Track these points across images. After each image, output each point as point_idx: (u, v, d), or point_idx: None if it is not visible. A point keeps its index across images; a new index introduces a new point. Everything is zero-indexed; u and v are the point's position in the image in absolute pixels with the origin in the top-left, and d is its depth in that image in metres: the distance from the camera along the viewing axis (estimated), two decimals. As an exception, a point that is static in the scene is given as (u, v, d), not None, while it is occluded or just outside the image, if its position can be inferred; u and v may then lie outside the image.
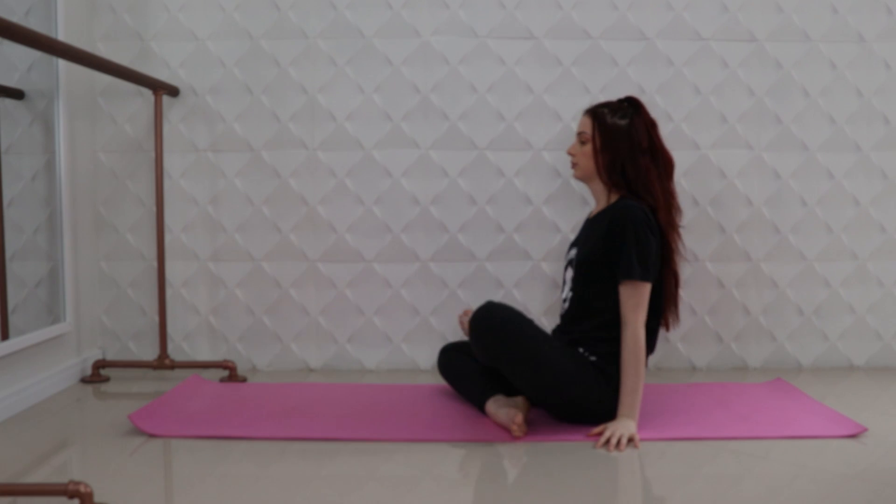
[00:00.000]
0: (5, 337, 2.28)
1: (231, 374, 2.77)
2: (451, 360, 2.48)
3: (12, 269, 2.35)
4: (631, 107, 2.28)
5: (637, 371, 2.11)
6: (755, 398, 2.48)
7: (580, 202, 2.90)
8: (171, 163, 2.90)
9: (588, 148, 2.28)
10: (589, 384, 2.14)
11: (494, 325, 2.12)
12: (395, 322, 2.94)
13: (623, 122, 2.24)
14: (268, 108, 2.89)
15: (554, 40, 2.88)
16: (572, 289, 2.29)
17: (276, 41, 2.88)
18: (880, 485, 1.76)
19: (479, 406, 2.29)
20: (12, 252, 2.35)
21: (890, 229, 2.94)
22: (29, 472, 1.84)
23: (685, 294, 2.91)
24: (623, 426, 2.06)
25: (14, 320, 2.34)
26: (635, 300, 2.14)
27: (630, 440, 2.04)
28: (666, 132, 2.88)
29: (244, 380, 2.78)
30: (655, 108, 2.87)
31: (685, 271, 2.91)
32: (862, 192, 2.93)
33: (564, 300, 2.34)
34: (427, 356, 2.94)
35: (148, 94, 2.87)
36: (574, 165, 2.33)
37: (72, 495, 1.54)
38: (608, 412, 2.15)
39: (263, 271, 2.93)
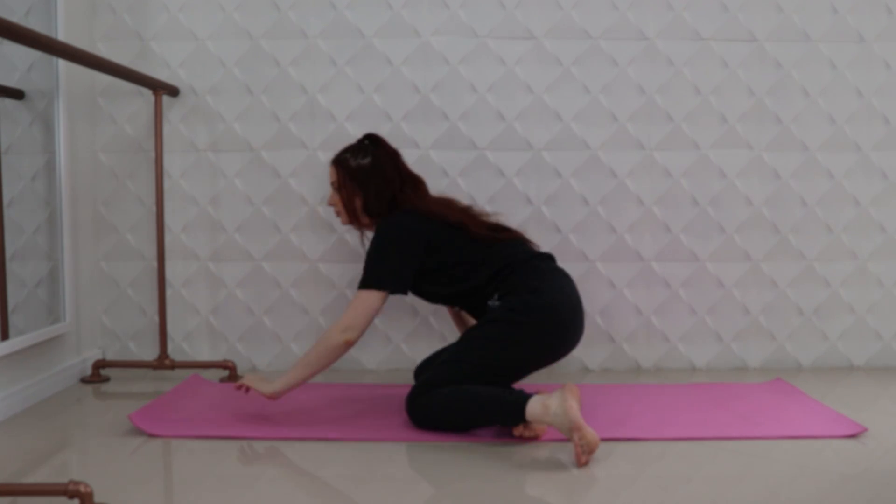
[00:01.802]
0: (5, 337, 2.28)
1: (231, 373, 2.78)
2: (437, 395, 2.15)
3: (12, 268, 2.35)
4: (371, 144, 2.39)
5: (310, 360, 2.15)
6: (755, 398, 2.48)
7: (580, 202, 2.91)
8: (171, 163, 2.91)
9: (343, 195, 2.37)
10: (515, 339, 2.16)
11: (434, 417, 2.13)
12: (394, 322, 2.94)
13: (366, 162, 2.35)
14: (268, 108, 2.89)
15: (554, 40, 2.88)
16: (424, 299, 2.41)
17: (276, 41, 2.88)
18: (880, 485, 1.76)
19: (515, 419, 2.06)
20: (12, 252, 2.35)
21: (890, 229, 2.94)
22: (29, 472, 1.84)
23: (685, 294, 2.92)
24: (260, 382, 2.20)
25: (14, 320, 2.34)
26: (353, 305, 2.17)
27: (245, 390, 2.21)
28: (666, 132, 2.89)
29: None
30: (655, 108, 2.88)
31: (685, 271, 2.92)
32: (862, 192, 2.93)
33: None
34: (426, 356, 2.94)
35: (148, 94, 2.87)
36: (338, 214, 2.42)
37: (72, 495, 1.54)
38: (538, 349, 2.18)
39: (263, 271, 2.93)
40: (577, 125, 2.90)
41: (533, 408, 1.99)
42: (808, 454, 1.97)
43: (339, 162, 2.38)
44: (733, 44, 2.88)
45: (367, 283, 2.19)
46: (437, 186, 2.89)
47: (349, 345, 2.15)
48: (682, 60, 2.89)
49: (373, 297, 2.18)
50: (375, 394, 2.57)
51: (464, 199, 2.89)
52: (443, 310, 2.90)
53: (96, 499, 1.60)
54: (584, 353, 2.94)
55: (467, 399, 2.09)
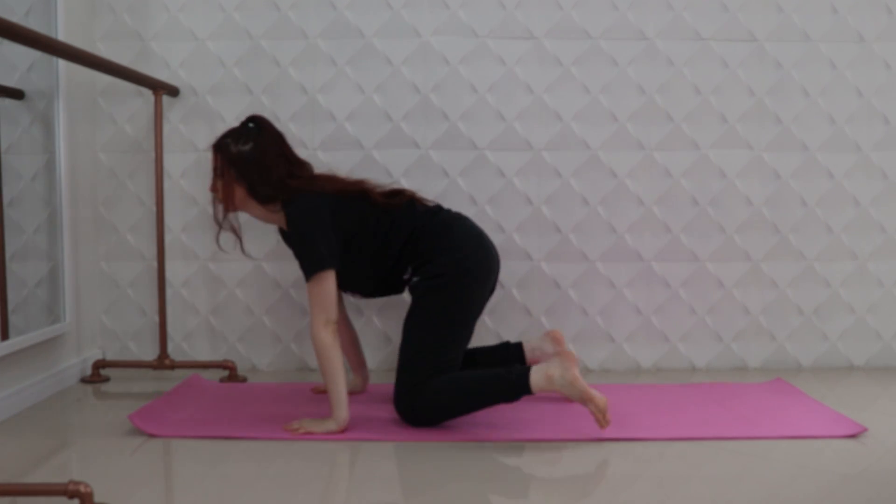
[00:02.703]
0: (5, 337, 2.29)
1: (231, 373, 2.78)
2: (443, 385, 2.19)
3: (12, 269, 2.35)
4: (255, 128, 2.29)
5: (326, 373, 2.14)
6: (755, 398, 2.49)
7: (580, 202, 2.91)
8: (171, 162, 2.91)
9: (223, 182, 2.27)
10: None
11: (438, 409, 2.16)
12: (394, 322, 2.94)
13: (247, 147, 2.25)
14: (268, 109, 2.90)
15: (554, 40, 2.89)
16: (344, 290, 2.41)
17: (276, 41, 2.89)
18: (880, 485, 1.77)
19: (520, 392, 2.14)
20: (12, 252, 2.35)
21: (890, 229, 2.95)
22: (29, 472, 1.85)
23: (685, 294, 2.93)
24: (318, 424, 2.15)
25: (14, 320, 2.35)
26: (313, 297, 2.16)
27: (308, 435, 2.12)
28: (665, 132, 2.90)
29: (244, 379, 2.79)
30: (655, 107, 2.89)
31: (685, 271, 2.92)
32: (862, 192, 2.94)
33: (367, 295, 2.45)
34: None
35: (148, 93, 2.88)
36: (219, 202, 2.31)
37: (72, 495, 1.55)
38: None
39: (263, 271, 2.94)
40: (577, 125, 2.90)
41: (537, 380, 2.09)
42: (807, 454, 1.98)
43: (220, 147, 2.27)
44: (733, 44, 2.89)
45: (311, 270, 2.16)
46: (436, 186, 2.90)
47: (335, 330, 2.17)
48: (682, 60, 2.90)
49: (324, 279, 2.16)
50: (375, 393, 2.58)
51: (464, 200, 2.91)
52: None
53: (96, 499, 1.60)
54: (584, 352, 2.95)
55: (467, 383, 2.15)
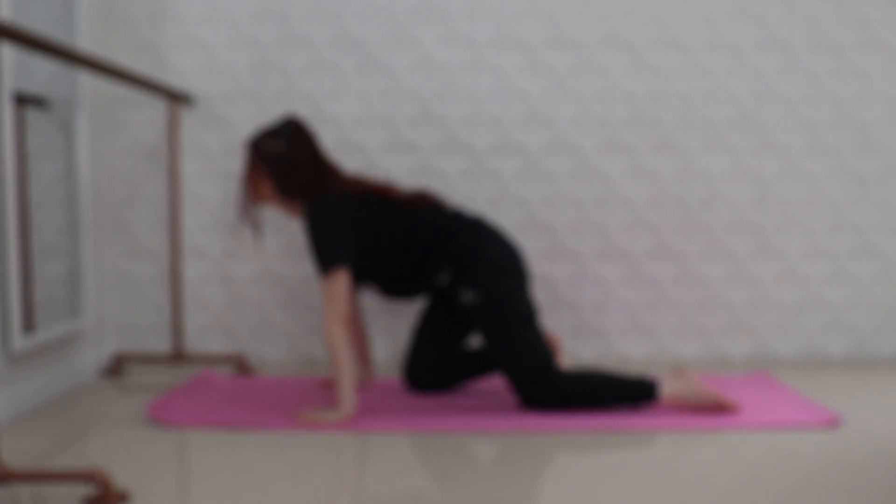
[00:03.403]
0: (30, 331, 2.34)
1: (242, 367, 2.84)
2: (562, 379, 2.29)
3: (36, 267, 2.41)
4: (288, 128, 2.35)
5: (335, 367, 2.20)
6: (736, 389, 2.54)
7: (574, 205, 3.01)
8: (185, 167, 2.98)
9: (253, 177, 2.36)
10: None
11: (568, 399, 2.27)
12: (398, 319, 3.03)
13: (280, 146, 2.31)
14: (277, 115, 2.98)
15: (549, 51, 2.96)
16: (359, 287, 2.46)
17: (285, 52, 2.96)
18: (854, 472, 1.81)
19: (645, 401, 2.29)
20: (36, 251, 2.40)
21: (867, 230, 3.03)
22: (52, 459, 1.89)
23: (674, 291, 3.02)
24: (324, 414, 2.19)
25: (38, 315, 2.39)
26: (325, 294, 2.22)
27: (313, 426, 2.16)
28: (655, 138, 2.98)
29: (255, 373, 2.85)
30: (646, 115, 2.97)
31: (673, 270, 3.02)
32: (840, 195, 3.02)
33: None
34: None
35: (163, 102, 2.95)
36: (247, 196, 2.40)
37: (93, 481, 1.60)
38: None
39: (273, 269, 3.01)
40: (570, 132, 2.99)
41: (667, 395, 2.27)
42: (786, 443, 2.01)
43: (253, 143, 2.35)
44: (718, 55, 2.97)
45: (325, 268, 2.21)
46: (436, 189, 2.98)
47: (346, 328, 2.23)
48: (670, 70, 2.98)
49: (337, 278, 2.21)
50: (383, 386, 2.63)
51: (463, 202, 2.97)
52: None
53: (116, 485, 1.64)
54: (577, 347, 3.04)
55: (600, 381, 2.27)
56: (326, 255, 2.22)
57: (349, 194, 2.32)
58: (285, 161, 2.32)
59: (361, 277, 2.38)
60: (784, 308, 3.04)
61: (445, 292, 2.45)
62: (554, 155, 2.99)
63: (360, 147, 2.98)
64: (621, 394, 2.27)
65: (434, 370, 2.49)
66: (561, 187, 3.00)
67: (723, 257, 3.02)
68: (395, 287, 2.41)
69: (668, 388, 2.27)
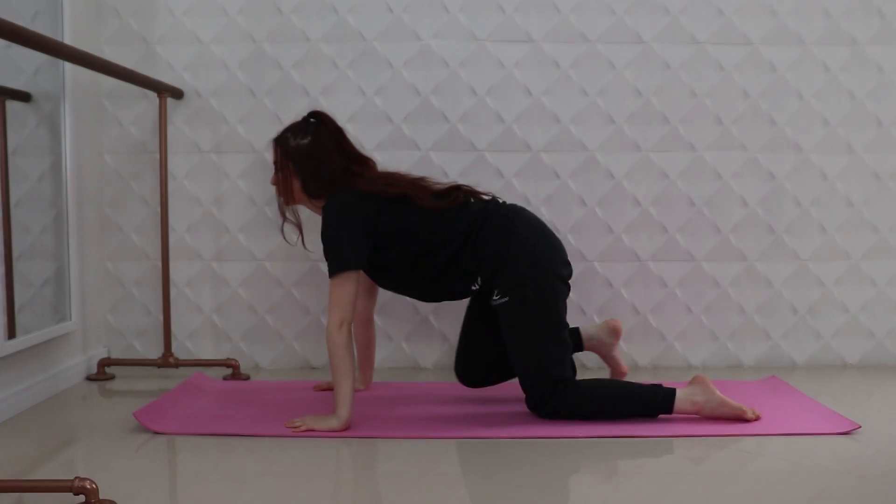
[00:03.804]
0: (12, 335, 2.31)
1: (234, 372, 2.81)
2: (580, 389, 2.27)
3: (19, 268, 2.38)
4: (315, 122, 2.33)
5: (335, 371, 2.16)
6: (750, 396, 2.51)
7: (578, 203, 2.95)
8: (175, 164, 2.94)
9: (282, 175, 2.32)
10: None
11: (582, 410, 2.24)
12: (396, 321, 2.98)
13: (306, 141, 2.28)
14: (270, 111, 2.93)
15: (552, 43, 2.92)
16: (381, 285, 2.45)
17: (279, 44, 2.92)
18: (872, 481, 1.79)
19: (660, 412, 2.25)
20: (19, 252, 2.38)
21: (882, 229, 2.99)
22: (35, 469, 1.87)
23: (681, 293, 2.96)
24: (321, 420, 2.16)
25: (21, 319, 2.37)
26: (332, 296, 2.18)
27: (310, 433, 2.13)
28: (662, 134, 2.93)
29: (247, 378, 2.82)
30: (651, 110, 2.92)
31: (681, 271, 2.96)
32: (855, 192, 2.97)
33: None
34: (426, 355, 2.99)
35: (153, 96, 2.89)
36: (279, 195, 2.36)
37: (77, 492, 1.56)
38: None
39: (266, 271, 2.97)
40: (574, 127, 2.94)
41: (682, 405, 2.21)
42: (801, 451, 2.00)
43: (280, 141, 2.33)
44: (728, 47, 2.93)
45: (335, 269, 2.17)
46: None
47: (350, 331, 2.19)
48: (679, 64, 2.93)
49: (346, 280, 2.17)
50: (377, 391, 2.60)
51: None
52: (442, 308, 2.94)
53: (102, 495, 1.61)
54: (582, 352, 2.98)
55: (614, 393, 2.27)
56: (335, 257, 2.19)
57: (366, 192, 2.25)
58: (311, 156, 2.28)
59: (386, 283, 2.37)
60: (797, 310, 3.00)
61: (482, 291, 2.40)
62: (557, 151, 2.95)
63: (357, 143, 2.89)
64: (636, 407, 2.24)
65: (480, 369, 2.48)
66: (564, 185, 2.96)
67: (733, 258, 2.98)
68: (426, 292, 2.39)
69: (683, 404, 2.22)
